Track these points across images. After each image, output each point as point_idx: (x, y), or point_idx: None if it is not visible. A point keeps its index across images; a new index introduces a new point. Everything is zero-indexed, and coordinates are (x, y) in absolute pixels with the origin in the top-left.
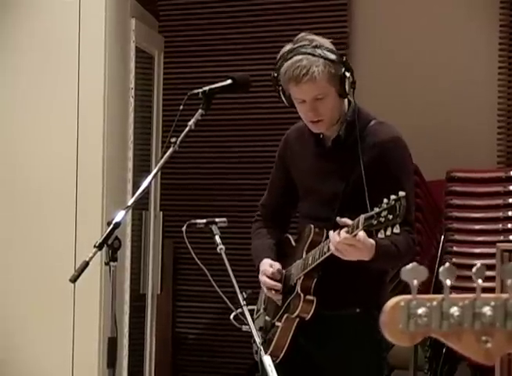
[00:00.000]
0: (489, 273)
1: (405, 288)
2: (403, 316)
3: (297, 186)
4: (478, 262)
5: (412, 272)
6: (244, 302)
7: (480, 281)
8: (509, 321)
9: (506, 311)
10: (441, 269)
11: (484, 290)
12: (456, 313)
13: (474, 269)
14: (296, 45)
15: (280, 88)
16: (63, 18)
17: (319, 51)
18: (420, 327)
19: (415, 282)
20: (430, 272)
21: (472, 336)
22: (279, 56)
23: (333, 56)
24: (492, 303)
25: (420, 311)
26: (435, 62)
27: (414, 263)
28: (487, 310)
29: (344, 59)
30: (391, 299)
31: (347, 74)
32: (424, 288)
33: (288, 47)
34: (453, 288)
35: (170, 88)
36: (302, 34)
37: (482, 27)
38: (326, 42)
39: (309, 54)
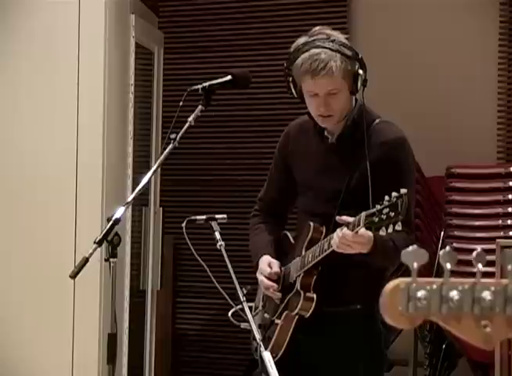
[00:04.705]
0: (489, 269)
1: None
2: (403, 299)
3: (298, 181)
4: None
5: (413, 255)
6: (244, 298)
7: (480, 266)
8: (508, 306)
9: (505, 296)
10: (441, 252)
11: None
12: (456, 297)
13: (474, 254)
14: (312, 38)
15: (290, 79)
16: (63, 15)
17: (336, 46)
18: (420, 310)
19: (415, 265)
20: (430, 269)
21: (471, 320)
22: (293, 48)
23: (349, 52)
24: (492, 288)
25: (420, 294)
26: (435, 58)
27: (414, 246)
28: (487, 295)
29: (360, 56)
30: (391, 282)
31: (361, 72)
32: None
33: (303, 39)
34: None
35: (170, 84)
36: (317, 27)
37: (482, 22)
38: (342, 38)
39: (327, 48)
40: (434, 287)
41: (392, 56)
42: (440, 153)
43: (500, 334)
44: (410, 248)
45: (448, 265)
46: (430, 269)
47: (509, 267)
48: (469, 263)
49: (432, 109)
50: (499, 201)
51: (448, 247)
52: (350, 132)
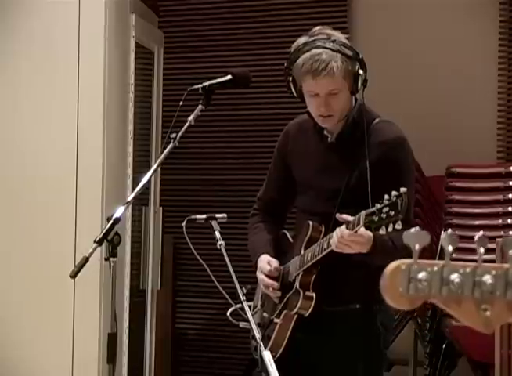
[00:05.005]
0: None
1: None
2: (403, 280)
3: (297, 180)
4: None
5: (415, 237)
6: (244, 298)
7: (482, 250)
8: (509, 290)
9: (506, 280)
10: (442, 235)
11: None
12: (457, 280)
13: (476, 238)
14: (312, 38)
15: (291, 78)
16: (63, 15)
17: (337, 46)
18: (420, 291)
19: (417, 246)
20: None
21: (472, 304)
22: (293, 48)
23: (350, 53)
24: (493, 272)
25: (421, 275)
26: (435, 58)
27: (417, 227)
28: (487, 278)
29: (361, 56)
30: (392, 263)
31: (361, 72)
32: None
33: (303, 39)
34: None
35: (170, 84)
36: (318, 27)
37: (482, 22)
38: (343, 38)
39: (328, 48)
40: (435, 269)
41: (392, 56)
42: (440, 152)
43: (500, 318)
44: (412, 230)
45: (450, 248)
46: None
47: (510, 252)
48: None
49: (432, 109)
50: (499, 201)
51: (449, 230)
52: (349, 131)
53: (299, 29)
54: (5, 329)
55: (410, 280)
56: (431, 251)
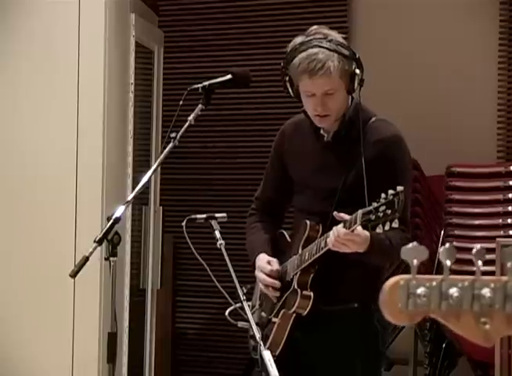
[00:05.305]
0: (490, 268)
1: None
2: (402, 296)
3: (294, 179)
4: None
5: (413, 252)
6: (244, 297)
7: (480, 263)
8: (508, 303)
9: (505, 293)
10: (441, 249)
11: None
12: (455, 294)
13: (473, 251)
14: (309, 38)
15: (287, 78)
16: (63, 15)
17: (334, 46)
18: (419, 306)
19: (415, 262)
20: (431, 268)
21: (471, 317)
22: (290, 47)
23: (347, 52)
24: (492, 285)
25: (420, 291)
26: (435, 58)
27: (414, 242)
28: (486, 292)
29: (357, 56)
30: (391, 279)
31: (358, 72)
32: None
33: (300, 39)
34: None
35: (170, 83)
36: (314, 27)
37: (482, 22)
38: (339, 37)
39: (325, 48)
40: (434, 283)
41: (392, 56)
42: (440, 152)
43: (500, 331)
44: (410, 245)
45: (448, 262)
46: (431, 267)
47: (508, 264)
48: (469, 262)
49: (432, 109)
50: (499, 200)
51: (447, 244)
52: (346, 130)
53: (301, 29)
54: (5, 329)
55: (409, 296)
56: (432, 252)
